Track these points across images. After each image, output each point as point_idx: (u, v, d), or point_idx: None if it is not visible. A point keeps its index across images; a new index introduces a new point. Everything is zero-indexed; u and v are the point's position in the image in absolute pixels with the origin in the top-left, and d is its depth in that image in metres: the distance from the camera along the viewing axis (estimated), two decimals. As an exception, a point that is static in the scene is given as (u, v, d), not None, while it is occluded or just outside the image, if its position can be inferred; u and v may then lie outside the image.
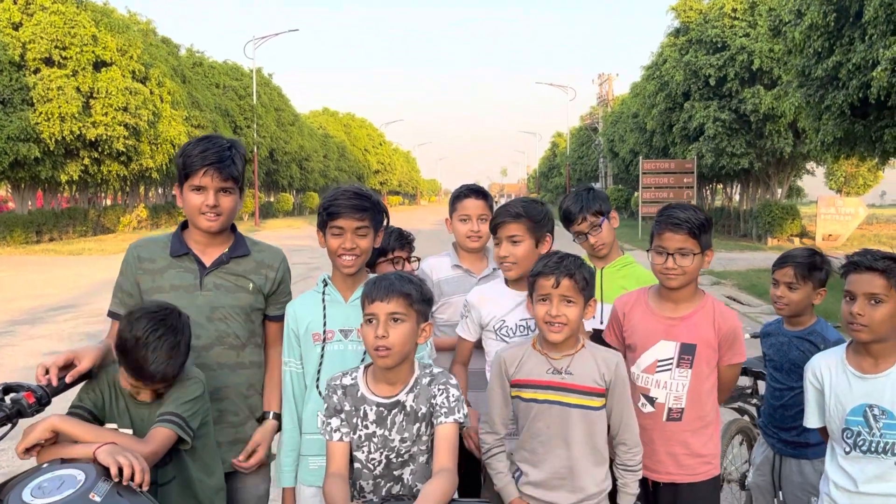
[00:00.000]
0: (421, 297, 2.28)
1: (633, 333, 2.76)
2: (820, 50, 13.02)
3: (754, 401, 4.37)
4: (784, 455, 3.22)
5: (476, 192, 3.32)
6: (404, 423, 2.28)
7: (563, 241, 2.83)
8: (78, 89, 25.27)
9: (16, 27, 24.87)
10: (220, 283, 2.64)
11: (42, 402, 2.17)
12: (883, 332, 2.44)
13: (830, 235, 23.55)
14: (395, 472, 2.30)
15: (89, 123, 25.68)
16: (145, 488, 1.96)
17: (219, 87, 40.13)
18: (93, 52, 25.80)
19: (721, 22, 24.45)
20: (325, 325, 2.58)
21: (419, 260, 3.48)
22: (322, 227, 2.60)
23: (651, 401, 2.72)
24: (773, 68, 21.38)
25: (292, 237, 27.43)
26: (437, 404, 2.26)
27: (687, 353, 2.69)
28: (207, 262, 2.65)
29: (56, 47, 25.02)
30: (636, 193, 32.03)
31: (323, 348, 2.58)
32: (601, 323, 3.00)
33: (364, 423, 2.29)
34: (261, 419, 2.74)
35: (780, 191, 27.43)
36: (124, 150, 26.96)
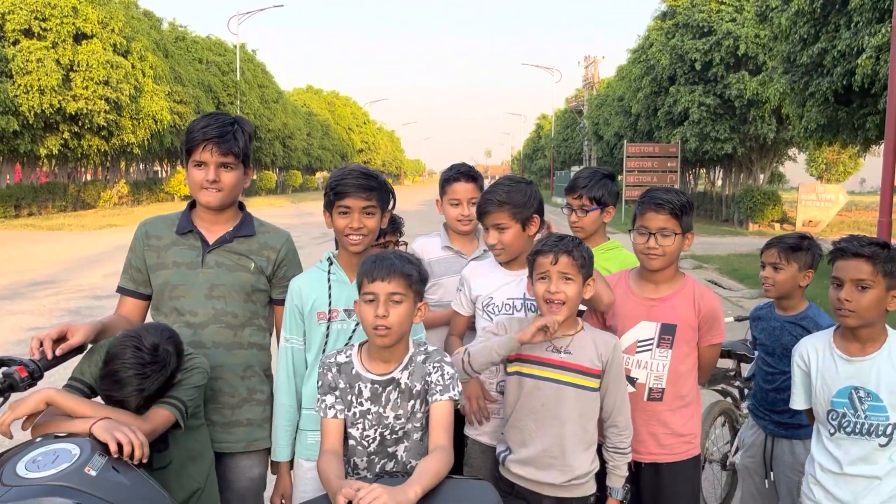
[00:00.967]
0: (420, 277, 2.29)
1: (613, 315, 2.79)
2: (806, 36, 13.09)
3: (737, 383, 4.44)
4: (776, 436, 3.27)
5: (466, 175, 3.29)
6: (398, 400, 2.29)
7: (563, 230, 2.85)
8: (58, 62, 24.90)
9: (-6, -3, 24.44)
10: (221, 261, 2.64)
11: (34, 376, 2.16)
12: (870, 317, 2.48)
13: (811, 221, 23.78)
14: (389, 449, 2.31)
15: (69, 97, 25.32)
16: (144, 461, 1.96)
17: (202, 63, 39.61)
18: (73, 23, 25.39)
19: (708, 6, 24.51)
20: (330, 304, 2.58)
21: (407, 245, 3.46)
22: (329, 206, 2.59)
23: (632, 381, 2.75)
24: (759, 54, 21.52)
25: (275, 216, 27.13)
26: (431, 382, 2.28)
27: (667, 333, 2.72)
28: (211, 240, 2.65)
29: (36, 18, 24.61)
30: (619, 177, 32.12)
31: (328, 327, 2.59)
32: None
33: (358, 400, 2.30)
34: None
35: (762, 176, 27.66)
36: (105, 124, 26.64)
